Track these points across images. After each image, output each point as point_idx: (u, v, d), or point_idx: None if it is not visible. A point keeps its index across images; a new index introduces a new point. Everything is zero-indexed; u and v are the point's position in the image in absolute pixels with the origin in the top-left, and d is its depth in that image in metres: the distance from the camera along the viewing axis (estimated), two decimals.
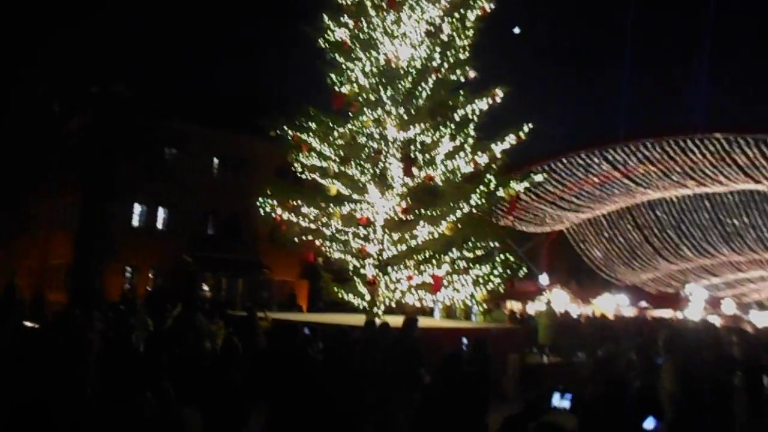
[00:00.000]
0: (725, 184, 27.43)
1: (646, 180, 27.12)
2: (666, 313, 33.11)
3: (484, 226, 12.88)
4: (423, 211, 12.27)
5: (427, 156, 12.63)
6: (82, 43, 29.76)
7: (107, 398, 3.33)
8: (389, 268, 12.42)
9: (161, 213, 29.54)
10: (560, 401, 3.01)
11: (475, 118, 12.86)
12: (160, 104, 28.39)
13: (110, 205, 27.51)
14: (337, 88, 13.85)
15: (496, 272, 11.99)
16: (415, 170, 12.20)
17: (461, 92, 13.47)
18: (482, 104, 13.15)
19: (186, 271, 28.83)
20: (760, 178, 26.08)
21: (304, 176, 14.42)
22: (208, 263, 29.60)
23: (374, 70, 12.86)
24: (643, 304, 34.49)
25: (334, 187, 13.80)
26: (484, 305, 13.16)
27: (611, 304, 31.36)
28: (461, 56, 13.09)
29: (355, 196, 13.70)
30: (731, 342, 13.15)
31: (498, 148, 12.96)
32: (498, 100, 13.15)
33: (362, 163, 12.85)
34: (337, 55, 13.90)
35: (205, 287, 30.00)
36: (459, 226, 12.25)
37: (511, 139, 12.95)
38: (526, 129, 12.84)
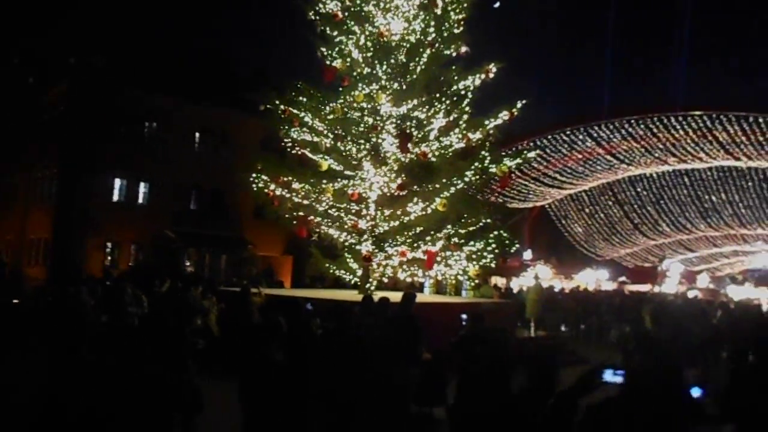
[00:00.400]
0: (705, 160, 27.90)
1: (628, 156, 27.44)
2: (644, 287, 33.85)
3: (477, 203, 12.93)
4: (418, 187, 12.24)
5: (422, 132, 12.59)
6: (59, 13, 28.87)
7: (138, 376, 3.33)
8: (383, 244, 12.42)
9: (142, 188, 29.06)
10: (612, 377, 3.06)
11: (469, 94, 12.82)
12: (140, 77, 27.75)
13: (90, 179, 26.97)
14: (328, 62, 13.68)
15: (489, 248, 12.09)
16: (410, 146, 12.13)
17: (453, 67, 13.40)
18: (475, 80, 13.12)
19: (168, 246, 28.54)
20: (739, 154, 26.56)
21: (294, 151, 14.29)
22: (191, 239, 29.30)
23: (368, 44, 12.68)
24: (622, 278, 35.19)
25: (326, 162, 13.70)
26: (476, 280, 13.27)
27: (592, 279, 31.93)
28: (455, 30, 12.97)
29: (347, 172, 13.64)
30: (715, 315, 13.53)
31: (491, 125, 12.97)
32: (491, 76, 13.12)
33: (356, 138, 12.74)
34: (328, 28, 13.70)
35: (188, 263, 29.72)
36: (452, 202, 12.27)
37: (504, 116, 12.96)
38: (519, 105, 12.85)
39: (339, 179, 13.30)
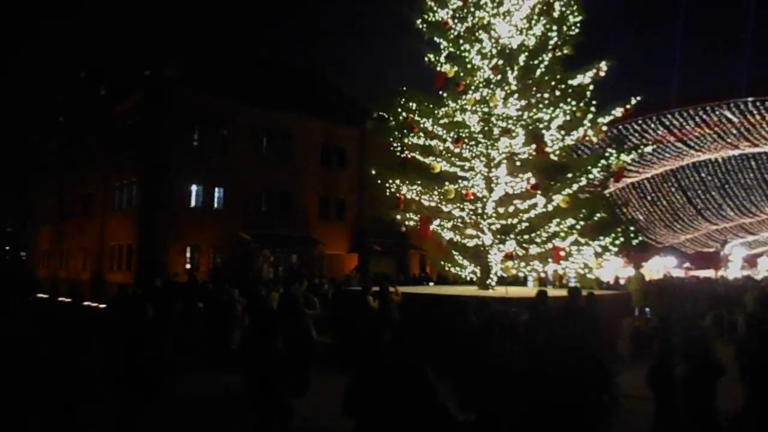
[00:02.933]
0: None
1: (699, 142, 27.39)
2: (708, 273, 33.68)
3: (596, 198, 13.33)
4: (546, 185, 12.67)
5: (545, 131, 13.02)
6: (129, 22, 29.90)
7: None
8: (522, 241, 12.89)
9: (217, 192, 30.00)
10: None
11: (588, 92, 13.21)
12: (210, 83, 28.67)
13: (169, 185, 28.00)
14: (438, 68, 14.17)
15: (616, 242, 12.51)
16: (543, 147, 12.58)
17: (557, 67, 13.75)
18: (586, 78, 13.49)
19: (246, 248, 29.47)
20: None
21: (403, 155, 14.84)
22: (263, 240, 30.18)
23: (493, 51, 13.14)
24: (687, 264, 35.06)
25: (438, 165, 14.26)
26: (590, 273, 13.63)
27: (660, 267, 31.91)
28: (572, 33, 13.34)
29: (461, 173, 14.16)
30: None
31: (604, 121, 13.34)
32: (602, 74, 13.47)
33: (474, 141, 13.23)
34: (435, 35, 14.20)
35: (264, 264, 30.60)
36: (574, 198, 12.70)
37: (617, 112, 13.31)
38: (633, 102, 13.17)
39: (457, 181, 13.81)
